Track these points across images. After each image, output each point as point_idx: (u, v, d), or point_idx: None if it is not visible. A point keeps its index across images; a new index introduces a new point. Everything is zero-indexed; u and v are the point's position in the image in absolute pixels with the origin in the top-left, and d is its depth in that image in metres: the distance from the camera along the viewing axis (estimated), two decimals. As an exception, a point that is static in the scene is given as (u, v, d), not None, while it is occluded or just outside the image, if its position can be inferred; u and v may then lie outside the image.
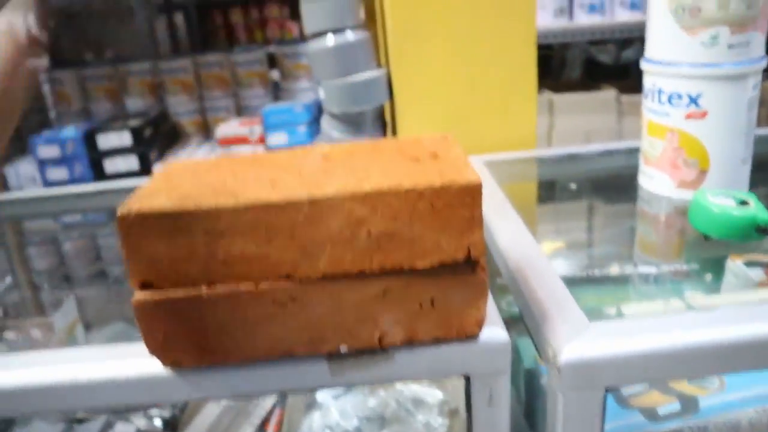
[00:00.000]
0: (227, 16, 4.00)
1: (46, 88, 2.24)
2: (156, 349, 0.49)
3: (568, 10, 2.33)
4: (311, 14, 1.06)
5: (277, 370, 0.50)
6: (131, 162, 1.85)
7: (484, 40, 1.01)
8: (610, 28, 2.26)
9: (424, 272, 0.48)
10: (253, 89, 2.07)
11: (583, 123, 2.09)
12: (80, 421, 0.95)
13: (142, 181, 0.54)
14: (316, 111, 1.97)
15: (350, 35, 1.05)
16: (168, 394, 0.51)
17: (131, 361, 0.51)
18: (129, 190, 0.49)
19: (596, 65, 3.12)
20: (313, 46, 1.08)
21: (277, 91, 2.13)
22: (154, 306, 0.48)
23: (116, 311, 1.21)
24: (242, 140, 1.86)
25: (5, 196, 1.27)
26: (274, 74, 2.15)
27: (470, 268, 0.49)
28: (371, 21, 1.16)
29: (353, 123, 1.09)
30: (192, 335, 0.49)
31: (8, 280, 1.02)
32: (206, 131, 2.11)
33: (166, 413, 0.96)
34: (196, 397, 0.51)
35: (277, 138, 1.88)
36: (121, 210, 0.46)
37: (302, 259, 0.47)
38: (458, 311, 0.50)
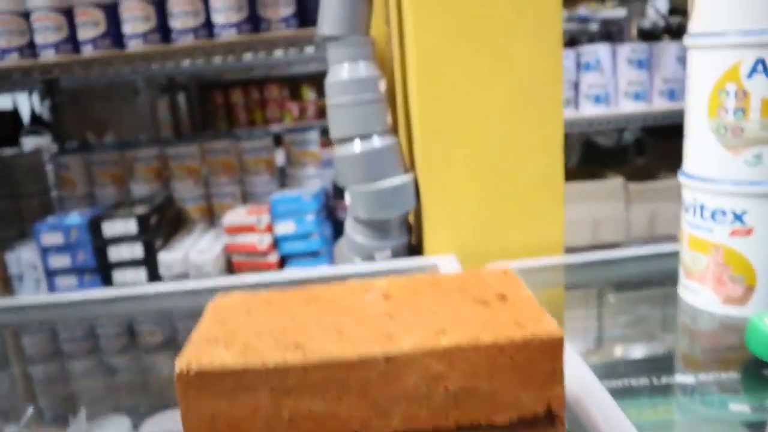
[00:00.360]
0: (228, 96, 4.07)
1: (50, 171, 2.23)
2: None
3: (574, 100, 2.38)
4: (338, 119, 1.06)
5: None
6: (136, 250, 1.82)
7: (511, 145, 1.00)
8: (615, 118, 2.30)
9: (501, 428, 0.46)
10: (259, 176, 2.06)
11: (590, 212, 2.10)
12: None
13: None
14: (324, 199, 1.96)
15: (377, 141, 1.04)
16: None
17: None
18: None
19: (595, 148, 3.16)
20: (340, 151, 1.07)
21: (283, 177, 2.12)
22: None
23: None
24: (249, 229, 1.84)
25: (8, 302, 1.23)
26: (280, 158, 2.15)
27: (550, 422, 0.46)
28: (398, 125, 1.16)
29: (379, 229, 1.07)
30: None
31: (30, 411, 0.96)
32: (211, 217, 2.09)
33: None
34: None
35: (285, 227, 1.86)
36: (180, 365, 0.43)
37: (374, 417, 0.44)
38: None
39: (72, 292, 1.54)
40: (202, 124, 3.94)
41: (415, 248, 1.12)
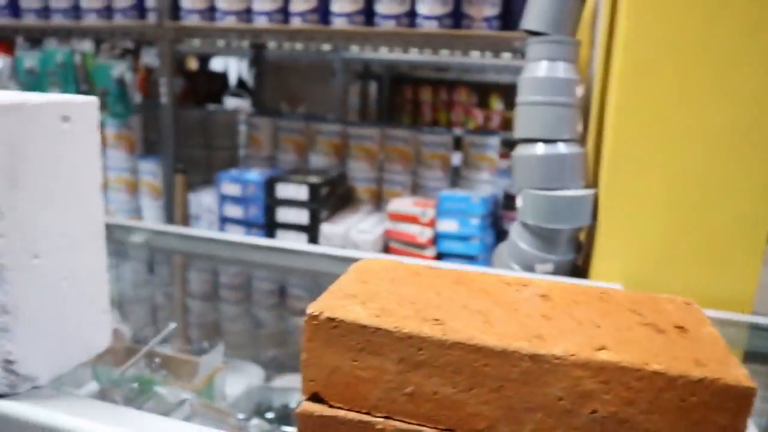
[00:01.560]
0: (417, 92, 4.12)
1: (242, 130, 2.38)
2: None
3: None
4: (526, 118, 1.00)
5: None
6: (302, 216, 1.89)
7: (716, 179, 0.88)
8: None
9: None
10: (433, 171, 2.04)
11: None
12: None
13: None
14: (493, 206, 1.90)
15: (562, 147, 0.97)
16: None
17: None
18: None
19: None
20: (521, 151, 1.01)
21: (456, 178, 2.09)
22: (320, 422, 0.42)
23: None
24: (412, 219, 1.83)
25: (186, 231, 1.32)
26: (455, 159, 2.12)
27: None
28: (587, 136, 1.08)
29: (546, 239, 1.00)
30: None
31: (172, 326, 1.03)
32: (378, 201, 2.11)
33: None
34: None
35: (448, 225, 1.82)
36: (312, 308, 0.41)
37: (504, 419, 0.39)
38: None
39: (241, 236, 1.62)
40: (387, 115, 4.03)
41: (579, 269, 1.03)
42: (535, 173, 0.98)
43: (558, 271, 1.00)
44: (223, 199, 1.97)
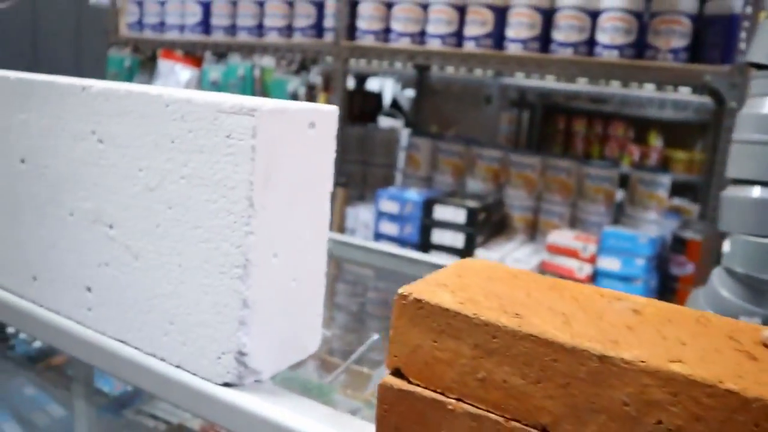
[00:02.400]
0: (570, 123, 4.01)
1: (401, 150, 2.43)
2: None
3: None
4: (742, 157, 0.92)
5: None
6: (458, 239, 1.88)
7: None
8: None
9: None
10: (595, 205, 1.96)
11: None
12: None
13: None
14: (660, 248, 1.79)
15: None
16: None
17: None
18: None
19: None
20: (734, 192, 0.93)
21: (618, 214, 1.99)
22: (398, 395, 0.45)
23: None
24: (572, 253, 1.76)
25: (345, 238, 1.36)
26: (618, 195, 2.02)
27: None
28: None
29: (754, 289, 0.91)
30: None
31: (375, 337, 1.05)
32: (533, 231, 2.06)
33: None
34: None
35: (610, 263, 1.73)
36: (403, 289, 0.44)
37: (567, 417, 0.39)
38: None
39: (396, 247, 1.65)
40: (538, 144, 3.96)
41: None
42: (750, 218, 0.90)
43: (765, 324, 0.91)
44: (380, 215, 2.01)
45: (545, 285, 0.50)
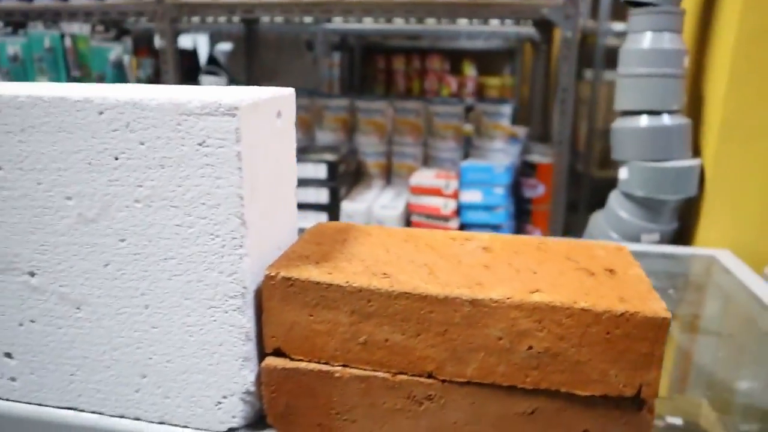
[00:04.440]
0: (389, 61, 4.05)
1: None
2: (276, 419, 0.48)
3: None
4: (628, 90, 0.98)
5: None
6: (322, 194, 1.84)
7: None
8: None
9: (582, 400, 0.43)
10: (446, 141, 2.00)
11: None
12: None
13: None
14: (514, 175, 1.87)
15: (667, 119, 0.95)
16: None
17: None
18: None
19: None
20: (623, 123, 0.99)
21: (468, 148, 2.05)
22: (283, 374, 0.47)
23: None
24: (435, 191, 1.80)
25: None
26: (468, 128, 2.07)
27: (636, 407, 0.43)
28: (694, 107, 1.06)
29: (652, 209, 0.99)
30: (315, 412, 0.47)
31: None
32: (388, 175, 2.07)
33: None
34: None
35: (472, 195, 1.80)
36: (269, 270, 0.46)
37: (450, 360, 0.44)
38: None
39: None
40: (360, 85, 3.96)
41: (678, 239, 1.02)
42: (642, 145, 0.97)
43: (663, 240, 1.00)
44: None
45: (400, 238, 0.54)
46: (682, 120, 1.00)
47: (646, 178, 1.00)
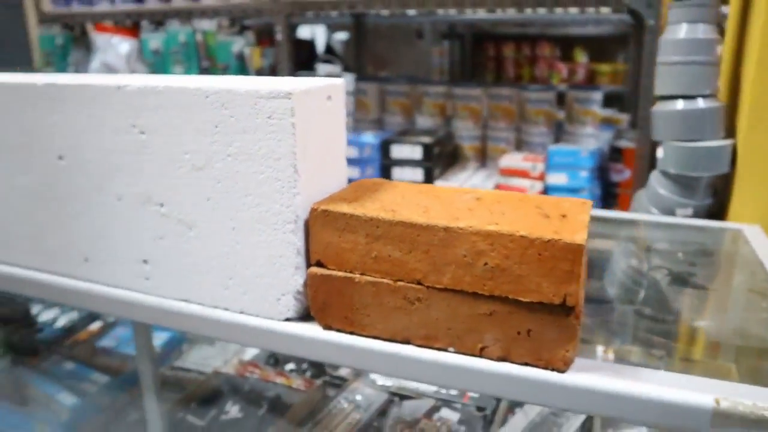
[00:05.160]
0: (499, 49, 4.14)
1: (349, 97, 2.52)
2: (316, 312, 0.69)
3: None
4: (665, 77, 1.10)
5: (398, 357, 0.65)
6: (417, 174, 2.04)
7: None
8: None
9: (525, 305, 0.60)
10: (537, 127, 2.14)
11: None
12: (405, 397, 1.08)
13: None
14: (600, 159, 1.97)
15: (701, 103, 1.07)
16: (317, 351, 0.69)
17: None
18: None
19: None
20: (661, 107, 1.11)
21: (559, 133, 2.16)
22: (322, 279, 0.67)
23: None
24: (523, 174, 1.95)
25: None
26: (560, 114, 2.18)
27: (564, 313, 0.59)
28: (732, 92, 1.15)
29: (686, 186, 1.11)
30: (342, 307, 0.67)
31: None
32: (483, 158, 2.23)
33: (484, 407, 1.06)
34: (336, 359, 0.69)
35: (557, 178, 1.93)
36: (314, 205, 0.67)
37: (431, 271, 0.63)
38: (549, 346, 0.60)
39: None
40: (471, 73, 4.07)
41: (714, 214, 1.13)
42: (676, 127, 1.08)
43: (697, 214, 1.11)
44: (341, 161, 2.12)
45: (416, 190, 0.73)
46: (715, 103, 1.11)
47: (680, 157, 1.12)
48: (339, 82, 0.73)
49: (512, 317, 0.61)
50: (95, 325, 1.52)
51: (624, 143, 2.10)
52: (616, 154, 2.08)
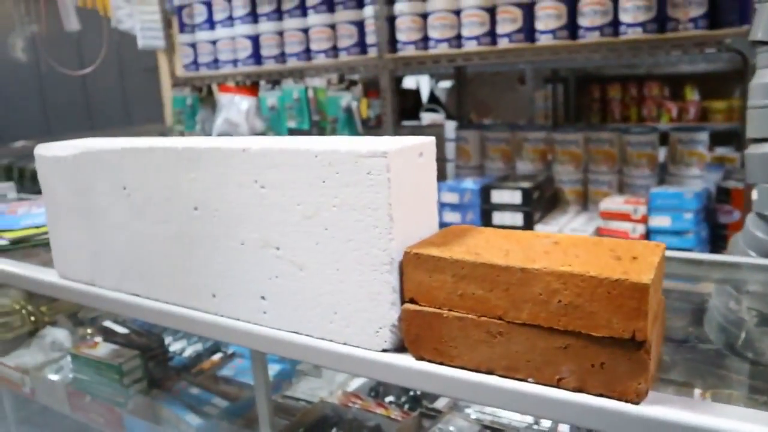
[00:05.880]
0: (605, 91, 4.11)
1: (449, 142, 2.61)
2: (410, 344, 0.77)
3: None
4: (757, 120, 1.11)
5: (482, 386, 0.71)
6: (517, 218, 2.09)
7: None
8: None
9: (597, 340, 0.66)
10: (640, 169, 2.14)
11: None
12: (494, 429, 1.14)
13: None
14: (706, 200, 1.94)
15: None
16: (410, 380, 0.77)
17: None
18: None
19: None
20: (754, 149, 1.12)
21: (663, 174, 2.15)
22: (414, 314, 0.76)
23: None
24: (624, 216, 1.95)
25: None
26: (662, 154, 2.17)
27: (635, 347, 0.64)
28: None
29: None
30: (432, 340, 0.75)
31: None
32: (584, 201, 2.25)
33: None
34: (428, 387, 0.76)
35: (660, 220, 1.92)
36: (407, 248, 0.76)
37: (511, 308, 0.70)
38: (622, 379, 0.65)
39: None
40: (576, 116, 4.06)
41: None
42: None
43: None
44: (443, 206, 2.23)
45: (501, 235, 0.80)
46: None
47: (776, 200, 1.10)
48: (430, 140, 0.83)
49: (586, 351, 0.66)
50: (217, 356, 1.69)
51: (732, 183, 2.05)
52: (723, 195, 2.03)
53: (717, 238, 2.05)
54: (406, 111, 3.63)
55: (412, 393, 1.42)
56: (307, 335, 0.86)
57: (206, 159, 0.91)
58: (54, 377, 1.72)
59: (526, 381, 0.70)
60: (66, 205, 1.15)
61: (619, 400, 0.65)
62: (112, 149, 1.04)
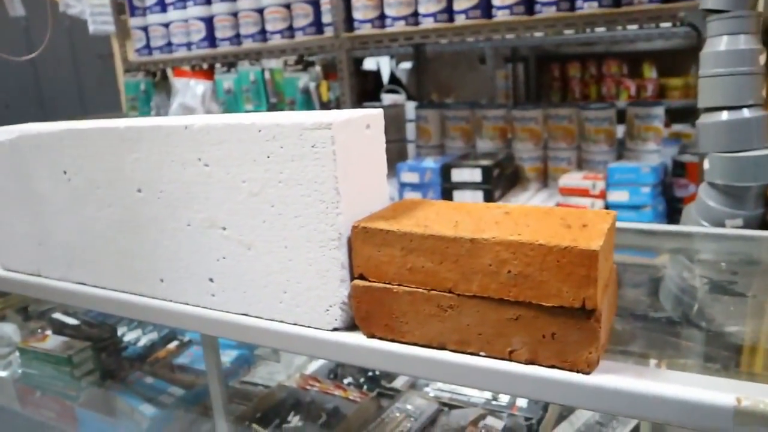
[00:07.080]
0: (564, 69, 4.13)
1: (410, 122, 2.59)
2: (360, 321, 0.76)
3: None
4: (709, 90, 1.12)
5: (433, 361, 0.70)
6: (477, 196, 2.09)
7: None
8: None
9: (548, 310, 0.65)
10: (598, 145, 2.15)
11: None
12: (455, 407, 1.14)
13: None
14: (663, 175, 1.96)
15: (746, 113, 1.08)
16: (362, 358, 0.75)
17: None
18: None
19: None
20: (705, 119, 1.13)
21: (621, 150, 2.16)
22: (364, 290, 0.74)
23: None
24: (583, 192, 1.96)
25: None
26: (620, 131, 2.18)
27: (585, 316, 0.63)
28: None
29: (734, 196, 1.12)
30: (383, 316, 0.74)
31: None
32: (545, 178, 2.26)
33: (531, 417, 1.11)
34: (380, 365, 0.76)
35: (618, 195, 1.94)
36: (355, 223, 0.74)
37: (461, 280, 0.68)
38: (573, 349, 0.64)
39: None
40: (536, 94, 4.07)
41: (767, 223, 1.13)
42: (721, 138, 1.09)
43: (748, 225, 1.11)
44: (403, 186, 2.22)
45: (452, 207, 0.78)
46: (760, 113, 1.12)
47: (726, 168, 1.13)
48: (377, 111, 0.81)
49: (537, 321, 0.65)
50: (172, 345, 1.65)
51: (687, 157, 2.08)
52: (679, 169, 2.06)
53: (673, 212, 2.08)
54: (367, 93, 3.60)
55: (370, 373, 1.41)
56: (257, 316, 0.84)
57: (148, 138, 0.88)
58: (2, 373, 1.67)
59: (478, 355, 0.69)
60: (6, 193, 1.11)
61: (571, 370, 0.64)
62: (50, 132, 0.99)
